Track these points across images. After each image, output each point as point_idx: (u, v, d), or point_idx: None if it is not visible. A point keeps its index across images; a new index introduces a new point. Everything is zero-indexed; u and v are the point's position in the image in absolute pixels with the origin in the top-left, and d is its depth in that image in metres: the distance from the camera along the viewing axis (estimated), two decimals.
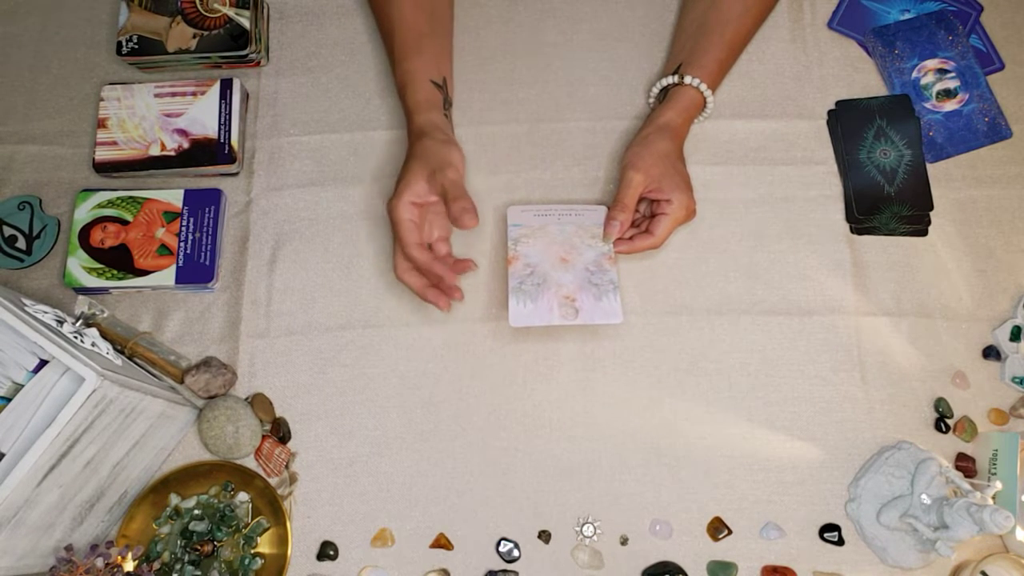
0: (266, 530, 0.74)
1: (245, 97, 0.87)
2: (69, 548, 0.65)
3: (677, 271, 0.81)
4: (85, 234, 0.81)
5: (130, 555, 0.68)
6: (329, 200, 0.84)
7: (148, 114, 0.84)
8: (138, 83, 0.86)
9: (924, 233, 0.82)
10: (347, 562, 0.74)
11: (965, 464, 0.75)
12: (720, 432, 0.77)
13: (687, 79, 0.80)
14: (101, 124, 0.84)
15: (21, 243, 0.82)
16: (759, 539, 0.74)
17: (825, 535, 0.74)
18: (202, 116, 0.84)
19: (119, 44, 0.86)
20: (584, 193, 0.84)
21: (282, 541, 0.73)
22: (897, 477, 0.73)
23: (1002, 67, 0.88)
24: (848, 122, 0.85)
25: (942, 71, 0.86)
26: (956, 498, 0.68)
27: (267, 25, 0.90)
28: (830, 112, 0.86)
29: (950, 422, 0.77)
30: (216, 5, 0.87)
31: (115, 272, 0.80)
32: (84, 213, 0.82)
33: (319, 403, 0.78)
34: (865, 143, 0.84)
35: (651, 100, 0.85)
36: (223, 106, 0.85)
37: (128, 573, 0.67)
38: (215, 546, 0.72)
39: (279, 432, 0.77)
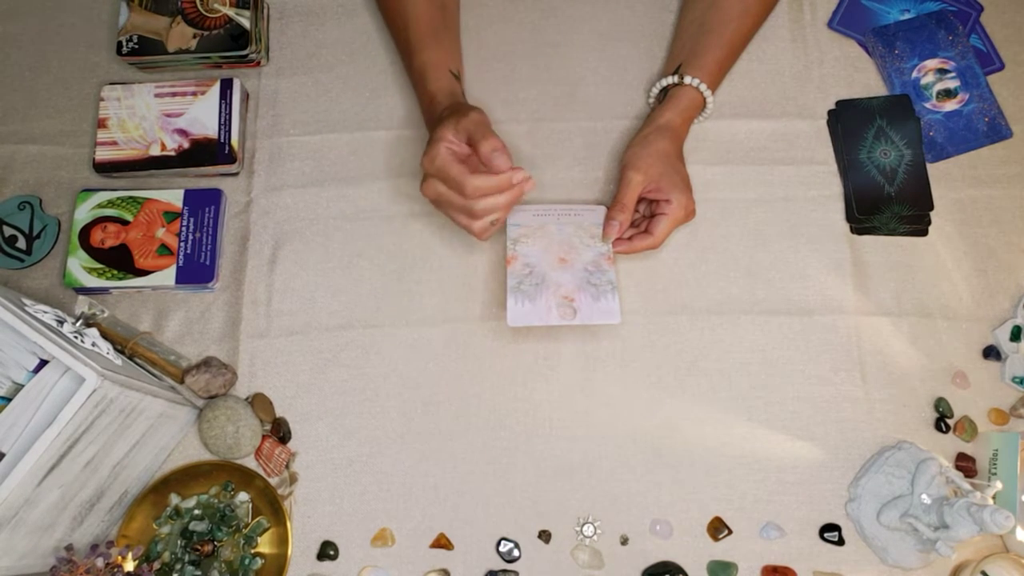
0: (266, 530, 0.74)
1: (245, 97, 0.87)
2: (69, 548, 0.65)
3: (677, 271, 0.81)
4: (85, 234, 0.81)
5: (130, 555, 0.68)
6: (329, 200, 0.84)
7: (148, 114, 0.85)
8: (138, 83, 0.86)
9: (924, 233, 0.82)
10: (347, 562, 0.74)
11: (965, 464, 0.75)
12: (720, 432, 0.77)
13: (687, 79, 0.80)
14: (101, 124, 0.84)
15: (21, 243, 0.82)
16: (759, 539, 0.74)
17: (825, 535, 0.74)
18: (202, 116, 0.84)
19: (119, 44, 0.86)
20: (584, 193, 0.84)
21: (282, 541, 0.73)
22: (897, 477, 0.73)
23: (1002, 67, 0.88)
24: (848, 122, 0.85)
25: (942, 71, 0.86)
26: (956, 498, 0.68)
27: (267, 25, 0.90)
28: (830, 112, 0.86)
29: (950, 422, 0.77)
30: (216, 5, 0.87)
31: (115, 272, 0.80)
32: (84, 213, 0.82)
33: (319, 403, 0.78)
34: (865, 143, 0.84)
35: (651, 100, 0.85)
36: (223, 106, 0.85)
37: (128, 573, 0.67)
38: (215, 546, 0.72)
39: (279, 432, 0.77)
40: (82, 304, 0.80)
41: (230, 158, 0.83)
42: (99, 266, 0.80)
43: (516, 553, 0.74)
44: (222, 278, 0.82)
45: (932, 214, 0.82)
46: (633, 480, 0.76)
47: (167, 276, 0.80)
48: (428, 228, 0.83)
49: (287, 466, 0.76)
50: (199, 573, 0.72)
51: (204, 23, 0.86)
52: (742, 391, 0.78)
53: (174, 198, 0.82)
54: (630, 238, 0.78)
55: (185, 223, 0.81)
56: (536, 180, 0.84)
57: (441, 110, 0.75)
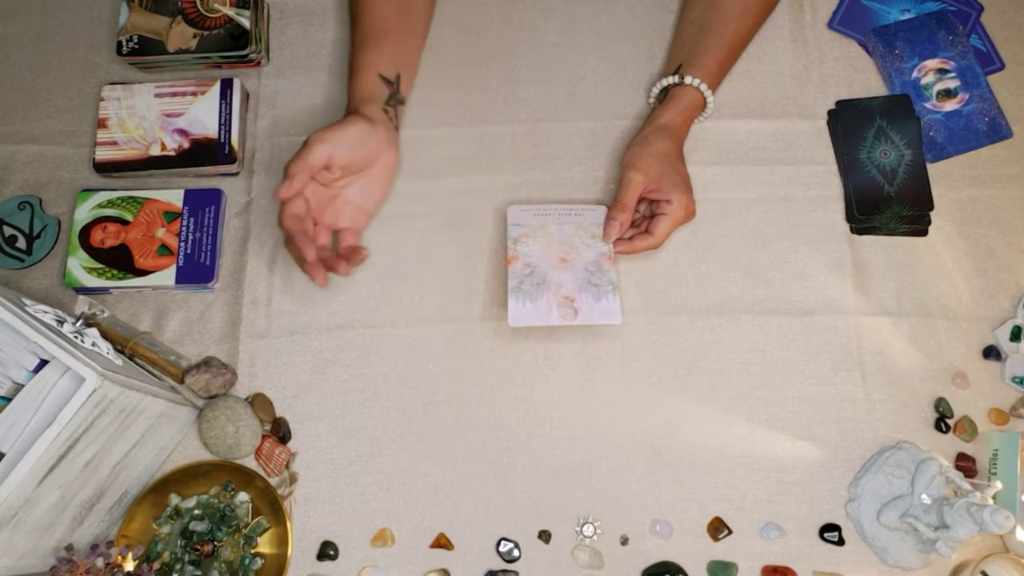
0: (266, 530, 0.74)
1: (245, 97, 0.87)
2: (69, 548, 0.65)
3: (677, 271, 0.81)
4: (85, 234, 0.81)
5: (130, 555, 0.68)
6: None
7: (148, 114, 0.84)
8: (138, 83, 0.86)
9: (924, 233, 0.82)
10: (347, 562, 0.74)
11: (965, 464, 0.75)
12: (720, 432, 0.77)
13: (687, 79, 0.80)
14: (101, 124, 0.84)
15: (21, 243, 0.82)
16: (759, 539, 0.74)
17: (825, 535, 0.74)
18: (202, 116, 0.84)
19: (119, 44, 0.86)
20: (584, 193, 0.84)
21: (282, 541, 0.73)
22: (897, 477, 0.73)
23: (1002, 67, 0.88)
24: (848, 122, 0.85)
25: (942, 71, 0.86)
26: (956, 498, 0.68)
27: (267, 25, 0.90)
28: (830, 112, 0.86)
29: (950, 422, 0.77)
30: (216, 5, 0.87)
31: (115, 272, 0.80)
32: (84, 213, 0.82)
33: (319, 403, 0.78)
34: (865, 143, 0.84)
35: (651, 100, 0.85)
36: (223, 106, 0.85)
37: (128, 573, 0.67)
38: (215, 546, 0.72)
39: (279, 432, 0.77)
40: (82, 304, 0.80)
41: (230, 158, 0.83)
42: (99, 266, 0.80)
43: (516, 553, 0.74)
44: (222, 278, 0.82)
45: (932, 214, 0.82)
46: (633, 480, 0.76)
47: (167, 276, 0.80)
48: (428, 228, 0.83)
49: (287, 466, 0.76)
50: (199, 573, 0.72)
51: (204, 23, 0.86)
52: (742, 391, 0.78)
53: (174, 198, 0.82)
54: (631, 238, 0.78)
55: (185, 223, 0.81)
56: (536, 180, 0.85)
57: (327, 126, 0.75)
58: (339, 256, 0.73)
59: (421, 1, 0.84)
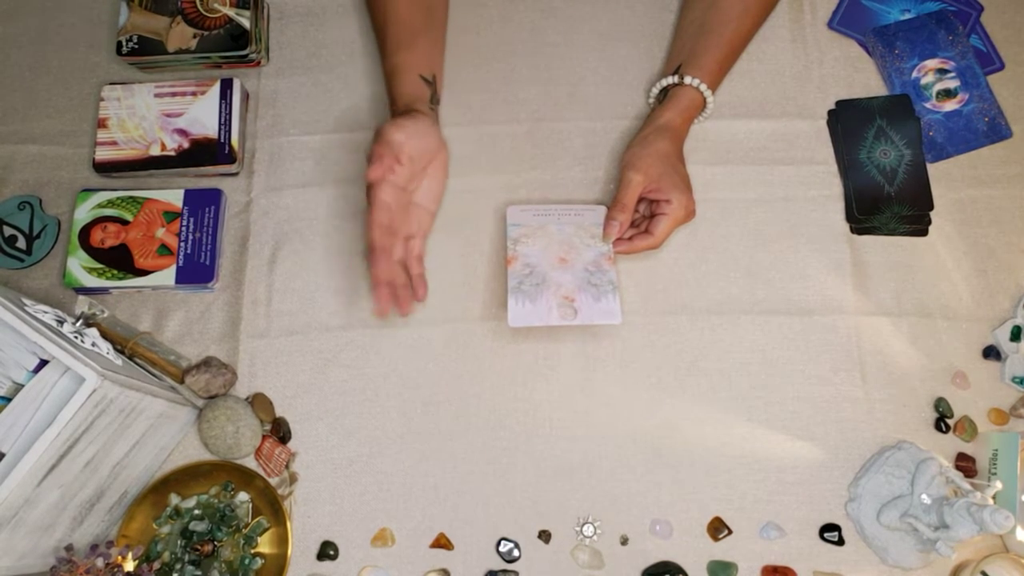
0: (266, 530, 0.74)
1: (245, 97, 0.87)
2: (69, 548, 0.65)
3: (677, 271, 0.81)
4: (85, 234, 0.81)
5: (130, 555, 0.68)
6: (329, 200, 0.84)
7: (148, 114, 0.85)
8: (138, 83, 0.86)
9: (924, 233, 0.82)
10: (347, 562, 0.74)
11: (965, 464, 0.75)
12: (720, 432, 0.77)
13: (687, 79, 0.80)
14: (101, 124, 0.84)
15: (21, 243, 0.82)
16: (759, 539, 0.74)
17: (825, 535, 0.74)
18: (202, 116, 0.84)
19: (119, 44, 0.86)
20: (584, 193, 0.84)
21: (282, 541, 0.73)
22: (897, 477, 0.73)
23: (1002, 67, 0.88)
24: (848, 122, 0.85)
25: (942, 71, 0.86)
26: (956, 498, 0.68)
27: (267, 25, 0.90)
28: (830, 112, 0.86)
29: (950, 422, 0.77)
30: (216, 5, 0.87)
31: (115, 272, 0.80)
32: (84, 213, 0.82)
33: (319, 403, 0.78)
34: (865, 143, 0.84)
35: (651, 100, 0.85)
36: (223, 106, 0.85)
37: (128, 573, 0.67)
38: (215, 546, 0.72)
39: (279, 432, 0.77)
40: (82, 304, 0.80)
41: (230, 158, 0.83)
42: (99, 266, 0.80)
43: (516, 553, 0.74)
44: (222, 278, 0.82)
45: (932, 214, 0.82)
46: (633, 480, 0.76)
47: (167, 276, 0.80)
48: None
49: (287, 466, 0.76)
50: (199, 573, 0.72)
51: (204, 23, 0.86)
52: (742, 391, 0.78)
53: (174, 198, 0.82)
54: (630, 238, 0.78)
55: (185, 223, 0.81)
56: (536, 180, 0.85)
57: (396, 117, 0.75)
58: (413, 285, 0.74)
59: (441, 1, 0.85)
